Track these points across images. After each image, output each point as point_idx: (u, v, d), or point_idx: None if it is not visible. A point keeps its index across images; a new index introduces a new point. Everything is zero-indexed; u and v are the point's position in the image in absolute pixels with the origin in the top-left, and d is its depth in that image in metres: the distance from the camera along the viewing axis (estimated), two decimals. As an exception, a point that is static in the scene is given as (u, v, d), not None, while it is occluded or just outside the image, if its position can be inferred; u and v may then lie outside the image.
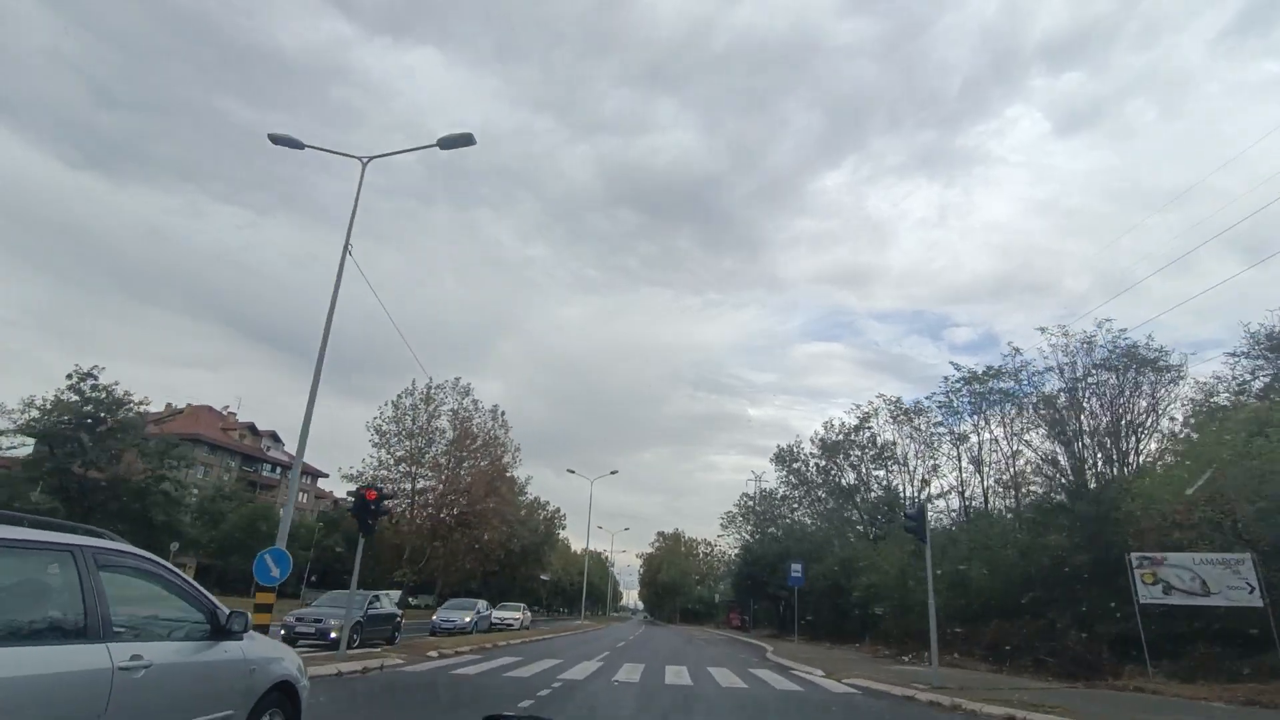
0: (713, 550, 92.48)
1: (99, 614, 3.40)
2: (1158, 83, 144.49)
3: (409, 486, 41.71)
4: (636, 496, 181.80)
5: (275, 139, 15.68)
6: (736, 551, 57.90)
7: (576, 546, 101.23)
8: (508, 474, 46.72)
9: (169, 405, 62.70)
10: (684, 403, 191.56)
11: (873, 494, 38.63)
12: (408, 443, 41.56)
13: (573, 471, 76.73)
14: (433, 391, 42.39)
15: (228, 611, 4.40)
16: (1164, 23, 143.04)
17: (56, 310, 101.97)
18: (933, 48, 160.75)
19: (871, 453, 38.14)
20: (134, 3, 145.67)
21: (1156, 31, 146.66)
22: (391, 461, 40.97)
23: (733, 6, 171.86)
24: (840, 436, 39.95)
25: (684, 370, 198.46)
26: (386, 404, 42.22)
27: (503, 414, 45.69)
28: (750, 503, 56.08)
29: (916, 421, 34.66)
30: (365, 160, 16.02)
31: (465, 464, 43.14)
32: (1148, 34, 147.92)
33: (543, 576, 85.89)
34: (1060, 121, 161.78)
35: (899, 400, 36.56)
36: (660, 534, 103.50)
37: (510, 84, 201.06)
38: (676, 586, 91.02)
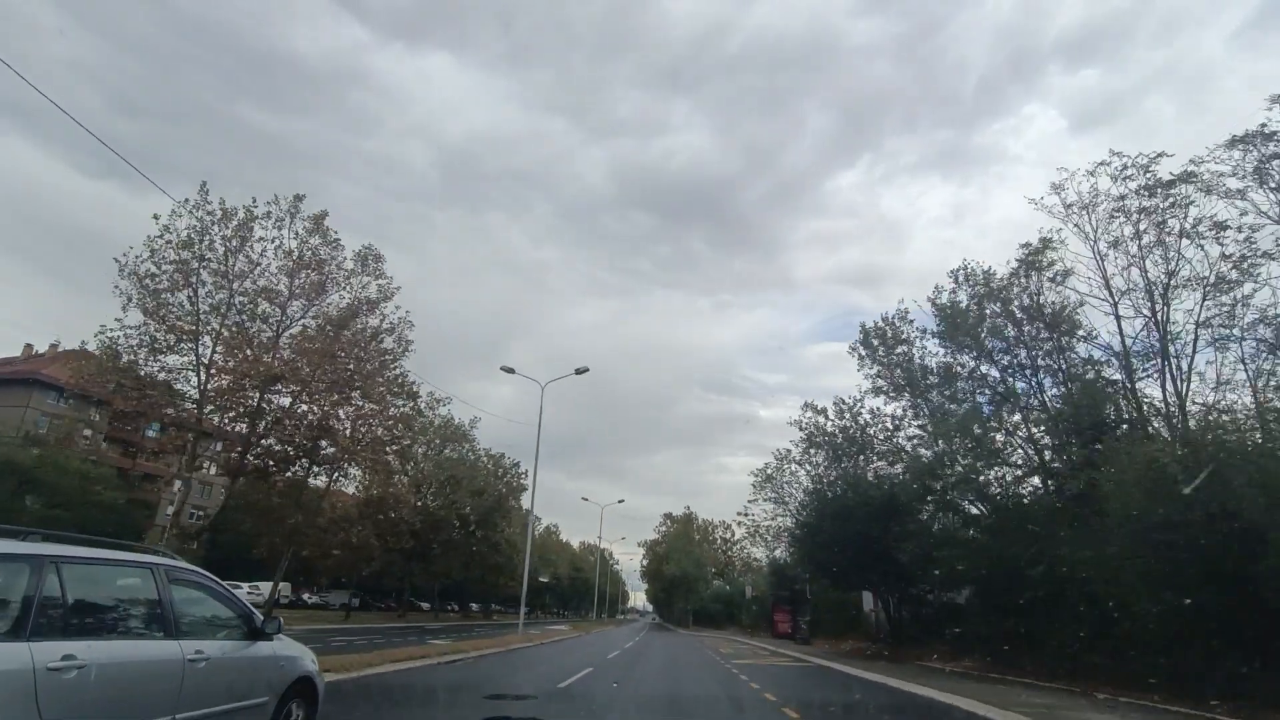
0: (733, 535, 74.61)
1: (172, 618, 4.42)
2: (1176, 78, 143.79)
3: (197, 380, 23.78)
4: (648, 499, 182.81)
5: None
6: (796, 507, 37.58)
7: (574, 541, 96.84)
8: (391, 371, 27.19)
9: (28, 346, 57.71)
10: (695, 404, 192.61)
11: (1061, 386, 21.18)
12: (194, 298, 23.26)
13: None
14: (246, 211, 24.11)
15: (262, 617, 5.40)
16: (1183, 17, 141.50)
17: (71, 316, 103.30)
18: (949, 46, 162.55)
19: (1056, 305, 20.75)
20: (153, 12, 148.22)
21: (1175, 26, 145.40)
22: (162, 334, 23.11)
23: (748, 7, 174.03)
24: (986, 286, 22.44)
25: (695, 372, 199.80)
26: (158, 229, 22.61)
27: (376, 260, 26.16)
28: (821, 420, 31.65)
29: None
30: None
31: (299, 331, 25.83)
32: (1166, 29, 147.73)
33: (542, 579, 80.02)
34: (1077, 119, 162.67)
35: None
36: (667, 516, 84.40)
37: (524, 87, 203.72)
38: (688, 581, 72.32)
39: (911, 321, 26.62)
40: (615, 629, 56.75)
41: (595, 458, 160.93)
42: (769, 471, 41.66)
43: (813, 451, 33.52)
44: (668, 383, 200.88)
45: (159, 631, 4.33)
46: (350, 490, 39.85)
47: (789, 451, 38.25)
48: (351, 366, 25.44)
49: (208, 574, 5.20)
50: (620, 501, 65.13)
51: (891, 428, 28.62)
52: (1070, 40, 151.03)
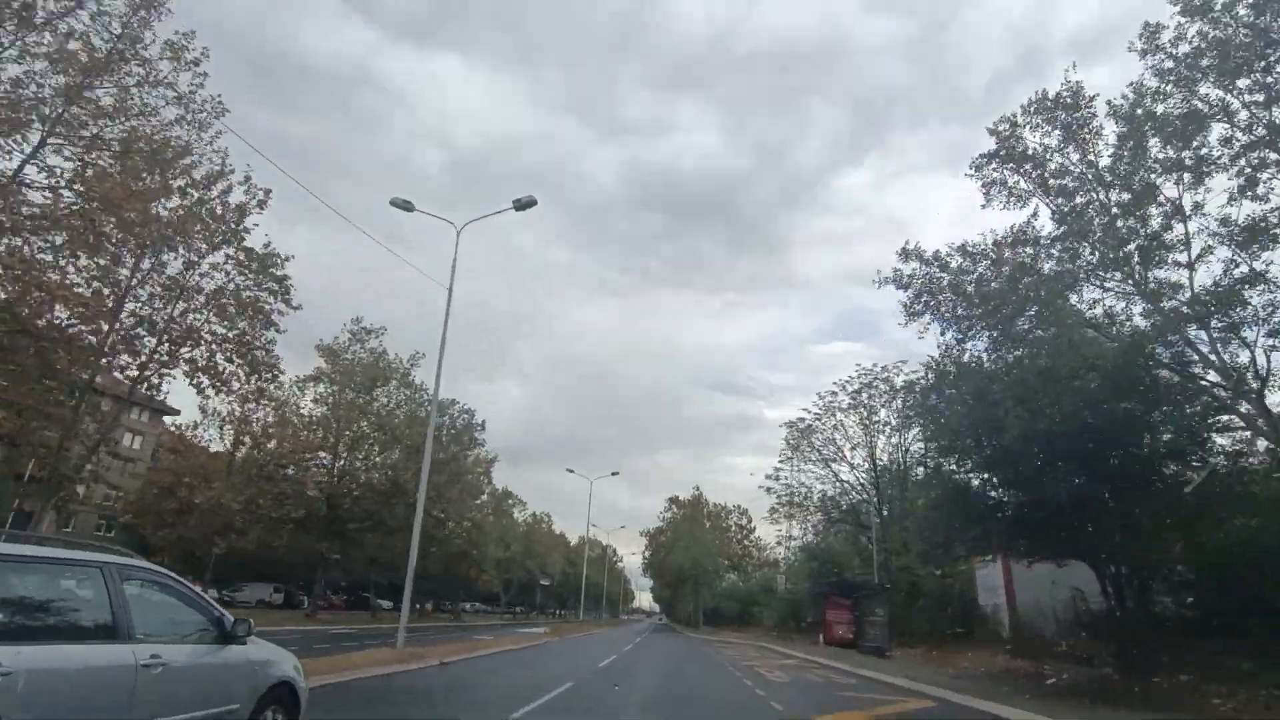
0: (748, 522, 67.80)
1: (125, 620, 4.06)
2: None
3: None
4: (653, 500, 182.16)
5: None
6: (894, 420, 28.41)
7: (571, 534, 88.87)
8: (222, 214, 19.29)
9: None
10: (702, 405, 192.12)
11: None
12: None
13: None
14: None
15: (233, 619, 5.05)
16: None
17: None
18: (959, 45, 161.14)
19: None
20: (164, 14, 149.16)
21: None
22: None
23: (758, 7, 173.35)
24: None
25: (703, 372, 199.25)
26: None
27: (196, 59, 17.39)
28: (936, 272, 20.42)
29: None
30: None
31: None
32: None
33: (543, 581, 74.58)
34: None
35: None
36: (672, 501, 71.46)
37: (534, 88, 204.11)
38: (697, 573, 58.86)
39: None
40: (609, 631, 45.49)
41: (601, 457, 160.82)
42: (811, 420, 34.26)
43: (886, 373, 32.45)
44: (674, 383, 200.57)
45: (108, 635, 3.96)
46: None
47: (833, 398, 33.14)
48: None
49: (169, 573, 4.83)
50: (614, 474, 60.03)
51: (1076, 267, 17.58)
52: (1082, 37, 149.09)
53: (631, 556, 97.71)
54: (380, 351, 35.92)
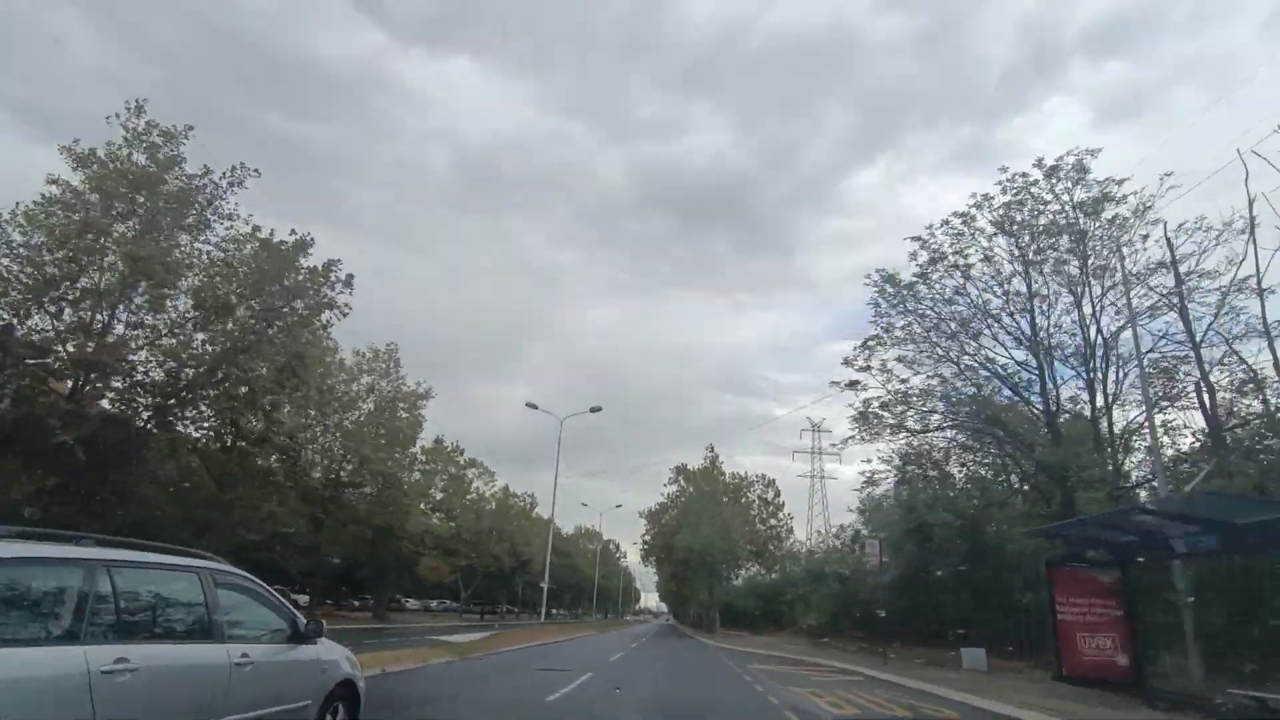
0: (776, 494, 54.00)
1: (219, 621, 4.38)
2: (1206, 70, 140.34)
3: None
4: (657, 499, 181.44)
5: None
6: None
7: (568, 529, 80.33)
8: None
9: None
10: (711, 405, 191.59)
11: None
12: None
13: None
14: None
15: (305, 621, 5.36)
16: (1213, 6, 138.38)
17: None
18: (971, 42, 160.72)
19: None
20: (177, 20, 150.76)
21: (1205, 16, 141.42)
22: None
23: (769, 6, 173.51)
24: None
25: (712, 372, 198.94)
26: None
27: None
28: None
29: None
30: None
31: None
32: (1196, 19, 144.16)
33: (543, 584, 63.27)
34: (1102, 112, 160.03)
35: None
36: (679, 470, 56.31)
37: (544, 90, 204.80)
38: (712, 559, 44.26)
39: None
40: (594, 639, 33.23)
41: (610, 458, 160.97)
42: (920, 268, 20.62)
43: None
44: (684, 383, 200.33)
45: (205, 635, 4.28)
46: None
47: (970, 213, 19.87)
48: None
49: (253, 577, 5.15)
50: (596, 409, 36.72)
51: None
52: (1095, 32, 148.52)
53: (633, 547, 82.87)
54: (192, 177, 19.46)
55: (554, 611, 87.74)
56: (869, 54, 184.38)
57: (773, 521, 56.31)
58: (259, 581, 5.19)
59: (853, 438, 23.90)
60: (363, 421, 32.73)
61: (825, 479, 65.66)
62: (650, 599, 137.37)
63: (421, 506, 41.23)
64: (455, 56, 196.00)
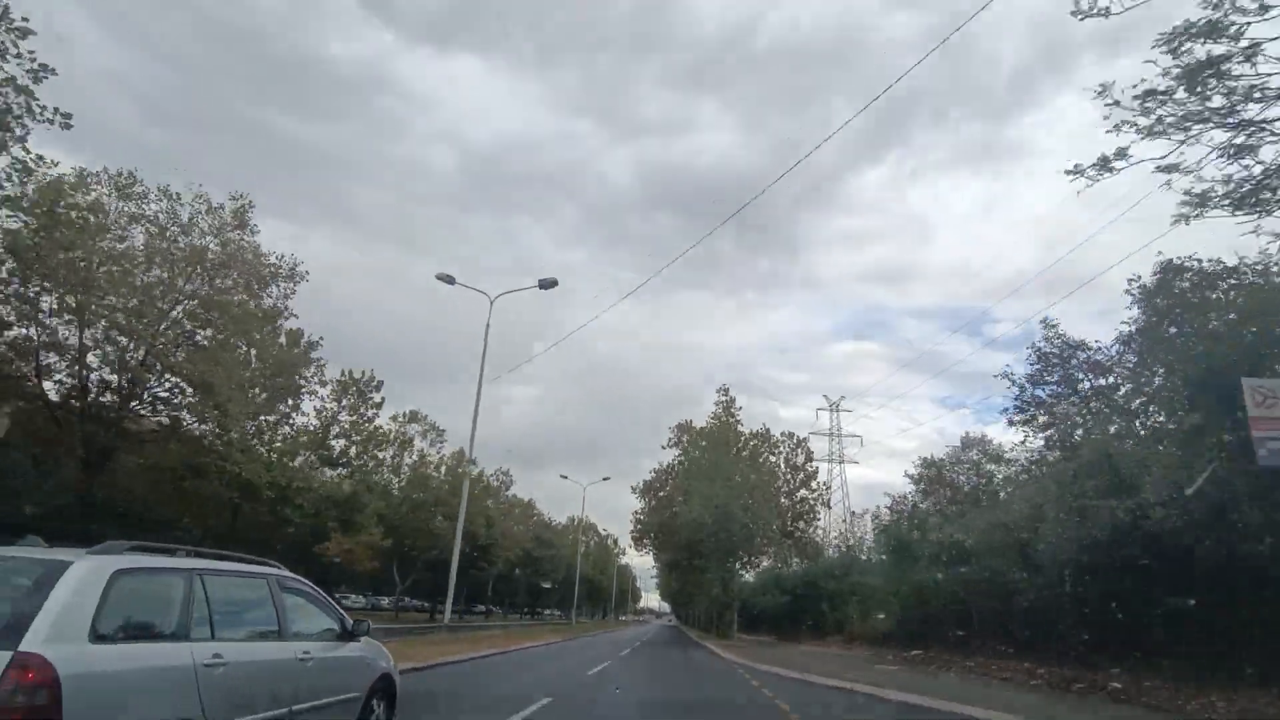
0: (809, 459, 41.71)
1: (285, 622, 5.03)
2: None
3: None
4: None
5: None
6: None
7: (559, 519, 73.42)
8: None
9: None
10: (714, 405, 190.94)
11: None
12: None
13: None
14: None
15: (352, 620, 6.01)
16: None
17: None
18: (980, 39, 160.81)
19: None
20: (185, 21, 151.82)
21: (1218, 10, 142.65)
22: None
23: (776, 3, 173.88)
24: None
25: (717, 373, 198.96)
26: None
27: None
28: None
29: None
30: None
31: None
32: (1209, 13, 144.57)
33: (544, 585, 56.19)
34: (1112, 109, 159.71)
35: None
36: (682, 428, 43.19)
37: (551, 89, 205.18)
38: (727, 534, 33.20)
39: None
40: (562, 648, 25.02)
41: (615, 459, 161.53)
42: None
43: None
44: (689, 383, 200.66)
45: (276, 634, 4.92)
46: None
47: None
48: None
49: (309, 582, 5.82)
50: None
51: None
52: (1105, 29, 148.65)
53: (638, 553, 68.93)
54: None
55: (548, 612, 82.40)
56: (877, 51, 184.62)
57: (803, 493, 41.72)
58: (314, 585, 5.84)
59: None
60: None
61: (845, 463, 59.19)
62: (652, 599, 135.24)
63: (304, 454, 29.39)
64: (462, 56, 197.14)
